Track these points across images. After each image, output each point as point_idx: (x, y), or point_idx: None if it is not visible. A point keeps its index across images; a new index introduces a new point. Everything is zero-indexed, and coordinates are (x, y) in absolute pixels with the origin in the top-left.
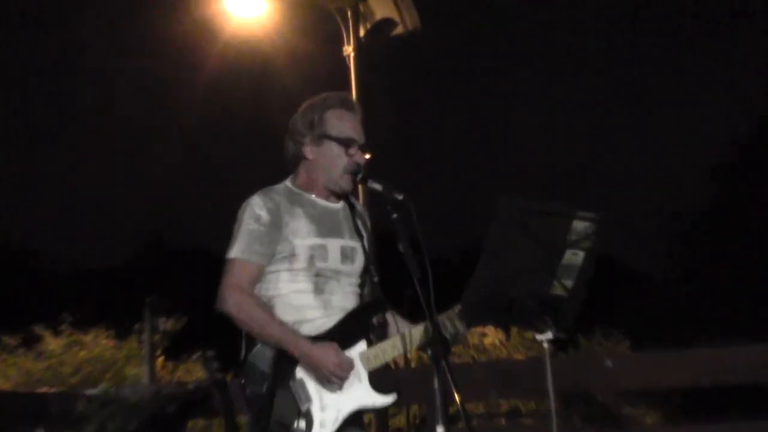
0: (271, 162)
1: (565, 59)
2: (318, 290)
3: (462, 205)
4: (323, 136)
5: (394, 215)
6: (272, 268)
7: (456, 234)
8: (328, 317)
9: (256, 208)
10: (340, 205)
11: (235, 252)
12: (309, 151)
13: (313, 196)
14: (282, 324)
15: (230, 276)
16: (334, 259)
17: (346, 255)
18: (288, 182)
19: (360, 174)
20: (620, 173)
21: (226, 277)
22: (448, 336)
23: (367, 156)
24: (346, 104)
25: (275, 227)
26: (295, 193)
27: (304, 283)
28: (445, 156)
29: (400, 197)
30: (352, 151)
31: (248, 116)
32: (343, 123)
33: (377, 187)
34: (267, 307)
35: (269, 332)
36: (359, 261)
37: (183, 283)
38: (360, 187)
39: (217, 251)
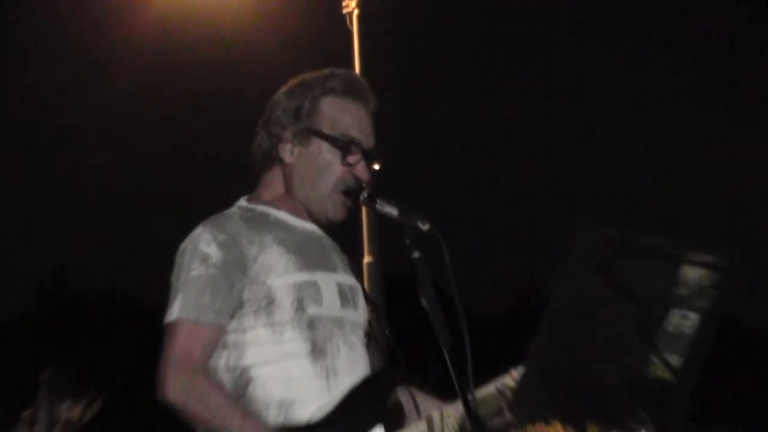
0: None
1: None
2: (317, 351)
3: (508, 234)
4: (312, 132)
5: (416, 254)
6: (241, 325)
7: (502, 281)
8: (332, 393)
9: (202, 245)
10: (320, 228)
11: (176, 312)
12: (288, 150)
13: (285, 213)
14: (254, 417)
15: (172, 347)
16: (331, 302)
17: (345, 296)
18: (243, 201)
19: (362, 193)
20: (744, 190)
21: (167, 350)
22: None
23: (375, 167)
24: (354, 90)
25: (235, 267)
26: (257, 214)
27: (296, 342)
28: (477, 157)
29: (425, 227)
30: (353, 159)
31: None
32: (346, 117)
33: (391, 211)
34: (237, 386)
35: (232, 428)
36: (362, 307)
37: (97, 348)
38: (364, 210)
39: (151, 300)
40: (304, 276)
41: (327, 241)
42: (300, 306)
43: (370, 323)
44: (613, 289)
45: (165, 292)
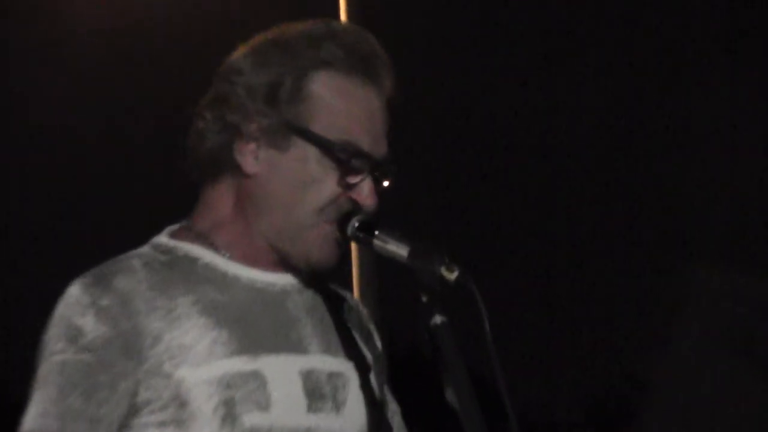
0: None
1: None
2: None
3: (585, 294)
4: (296, 131)
5: (437, 319)
6: None
7: (574, 367)
8: None
9: (74, 315)
10: (291, 279)
11: (30, 419)
12: (251, 153)
13: (223, 257)
14: None
15: None
16: (287, 404)
17: (318, 393)
18: (164, 235)
19: (351, 222)
20: None
21: None
22: None
23: (385, 184)
24: (366, 64)
25: (123, 351)
26: (176, 258)
27: None
28: (517, 165)
29: (453, 275)
30: (355, 177)
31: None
32: (351, 110)
33: (397, 250)
34: None
35: None
36: (355, 408)
37: None
38: (354, 248)
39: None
40: (239, 363)
41: (304, 300)
42: (229, 413)
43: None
44: (740, 351)
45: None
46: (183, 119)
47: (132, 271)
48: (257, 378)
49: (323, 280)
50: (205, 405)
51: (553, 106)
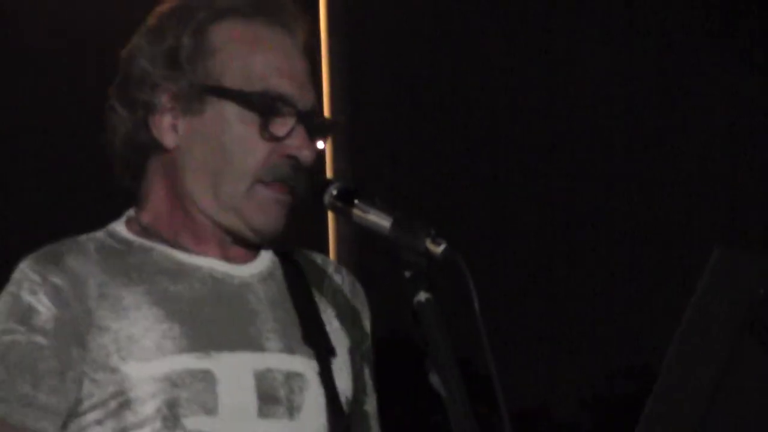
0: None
1: None
2: None
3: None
4: (206, 90)
5: (421, 296)
6: None
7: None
8: None
9: (24, 292)
10: (252, 269)
11: None
12: (167, 125)
13: (181, 249)
14: None
15: None
16: (236, 407)
17: (271, 395)
18: (118, 224)
19: (329, 188)
20: None
21: None
22: None
23: (320, 145)
24: (268, 8)
25: (73, 335)
26: (134, 249)
27: None
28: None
29: (440, 248)
30: (282, 126)
31: None
32: (260, 55)
33: (379, 221)
34: None
35: None
36: (314, 412)
37: None
38: (331, 219)
39: None
40: (188, 361)
41: (264, 292)
42: (171, 414)
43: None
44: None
45: None
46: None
47: (86, 253)
48: (206, 377)
49: (305, 259)
50: (147, 404)
51: (551, 91)
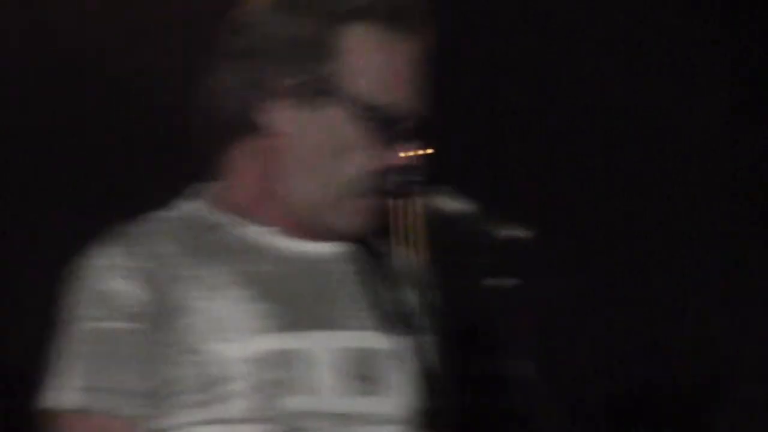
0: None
1: None
2: None
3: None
4: (329, 90)
5: (491, 281)
6: (167, 423)
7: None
8: None
9: (107, 278)
10: (335, 247)
11: (71, 393)
12: (279, 112)
13: (260, 227)
14: None
15: None
16: (326, 385)
17: (358, 372)
18: (194, 200)
19: (402, 177)
20: None
21: None
22: None
23: (424, 151)
24: (404, 14)
25: (160, 320)
26: (213, 227)
27: None
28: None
29: (515, 234)
30: (394, 138)
31: None
32: (386, 66)
33: (453, 207)
34: None
35: None
36: (405, 385)
37: None
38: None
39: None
40: (278, 341)
41: (342, 270)
42: (263, 394)
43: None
44: None
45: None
46: (191, 74)
47: (165, 233)
48: (297, 356)
49: (367, 240)
50: (238, 384)
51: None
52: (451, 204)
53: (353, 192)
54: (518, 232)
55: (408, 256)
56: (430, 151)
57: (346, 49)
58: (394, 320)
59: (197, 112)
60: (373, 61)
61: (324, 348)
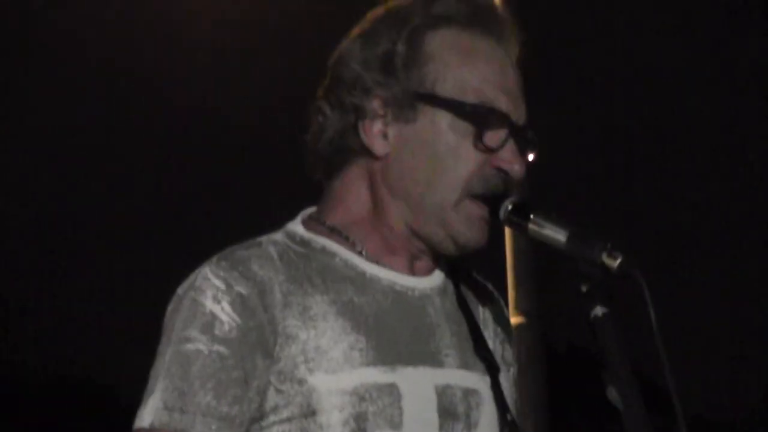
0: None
1: None
2: None
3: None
4: (421, 97)
5: (597, 311)
6: None
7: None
8: None
9: (207, 300)
10: (431, 282)
11: (151, 413)
12: (378, 132)
13: (363, 257)
14: None
15: None
16: (420, 423)
17: (451, 411)
18: (297, 222)
19: (504, 204)
20: None
21: None
22: None
23: (530, 157)
24: (485, 16)
25: (258, 346)
26: (314, 251)
27: None
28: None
29: (616, 262)
30: (495, 138)
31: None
32: (478, 66)
33: (555, 235)
34: None
35: None
36: (490, 425)
37: None
38: (507, 234)
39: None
40: (375, 374)
41: (438, 305)
42: (358, 427)
43: None
44: None
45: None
46: (300, 119)
47: (269, 258)
48: (392, 392)
49: (467, 272)
50: (334, 416)
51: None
52: (554, 231)
53: (462, 198)
54: (616, 258)
55: (514, 287)
56: (532, 156)
57: (431, 56)
58: (486, 359)
59: (306, 141)
60: (458, 63)
61: (415, 383)
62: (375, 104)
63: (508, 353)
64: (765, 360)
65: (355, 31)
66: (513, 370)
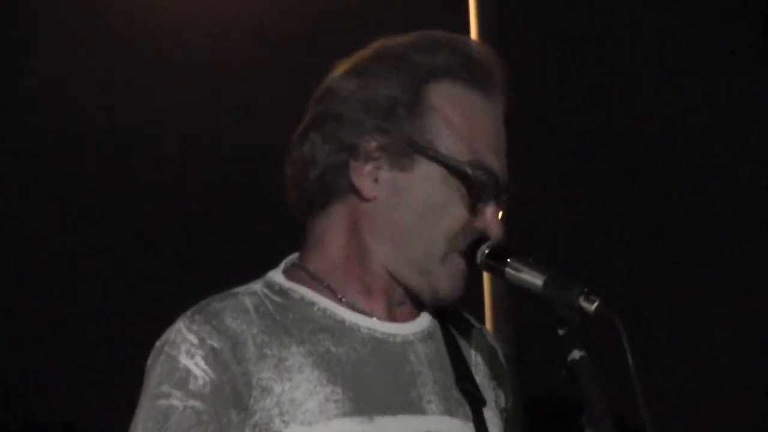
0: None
1: None
2: None
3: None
4: (420, 149)
5: (575, 354)
6: None
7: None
8: None
9: (182, 356)
10: (414, 327)
11: None
12: (369, 174)
13: (340, 304)
14: None
15: None
16: None
17: None
18: (277, 274)
19: (480, 248)
20: None
21: None
22: None
23: (500, 213)
24: (484, 75)
25: (232, 400)
26: (294, 303)
27: None
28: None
29: (593, 306)
30: (482, 201)
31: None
32: (477, 125)
33: (532, 279)
34: None
35: None
36: None
37: None
38: (485, 278)
39: None
40: (351, 425)
41: (422, 352)
42: None
43: None
44: None
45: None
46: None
47: (243, 311)
48: None
49: (458, 314)
50: None
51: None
52: (531, 275)
53: (447, 253)
54: (593, 302)
55: (482, 329)
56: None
57: (431, 107)
58: (469, 393)
59: (290, 180)
60: (458, 120)
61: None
62: (371, 146)
63: (502, 399)
64: (749, 402)
65: (346, 67)
66: (509, 405)
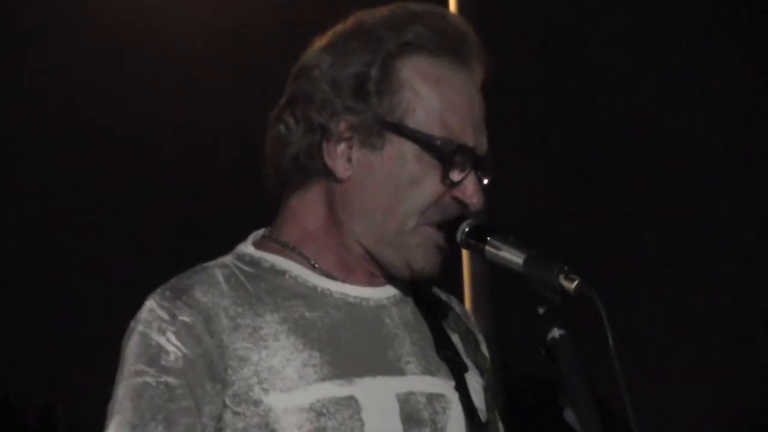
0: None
1: None
2: None
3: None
4: (391, 126)
5: (555, 333)
6: None
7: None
8: None
9: (153, 332)
10: (387, 292)
11: None
12: (342, 155)
13: (313, 270)
14: None
15: None
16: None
17: (416, 417)
18: (246, 246)
19: (461, 227)
20: None
21: None
22: None
23: (485, 181)
24: (457, 44)
25: (206, 372)
26: (265, 272)
27: None
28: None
29: (573, 285)
30: (459, 173)
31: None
32: (448, 97)
33: (511, 257)
34: None
35: None
36: (458, 428)
37: None
38: (465, 257)
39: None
40: (332, 388)
41: (398, 316)
42: None
43: None
44: None
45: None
46: (258, 127)
47: (214, 283)
48: (351, 404)
49: (426, 287)
50: None
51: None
52: (511, 253)
53: (418, 225)
54: (573, 281)
55: (451, 299)
56: (489, 182)
57: (402, 85)
58: (450, 360)
59: (265, 157)
60: (430, 95)
61: (375, 394)
62: (342, 127)
63: (481, 355)
64: (722, 384)
65: (322, 42)
66: (488, 376)
